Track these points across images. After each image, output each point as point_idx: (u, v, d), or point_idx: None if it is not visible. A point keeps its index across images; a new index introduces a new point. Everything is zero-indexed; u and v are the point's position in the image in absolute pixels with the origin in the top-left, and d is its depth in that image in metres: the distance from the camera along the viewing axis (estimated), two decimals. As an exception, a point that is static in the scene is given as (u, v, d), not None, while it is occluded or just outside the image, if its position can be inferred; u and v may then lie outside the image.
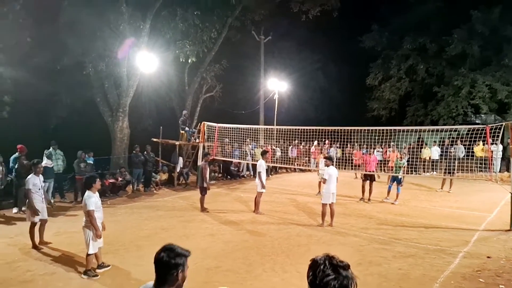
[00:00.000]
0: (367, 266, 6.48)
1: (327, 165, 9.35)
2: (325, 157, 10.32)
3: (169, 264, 2.20)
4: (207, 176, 11.01)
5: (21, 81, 14.46)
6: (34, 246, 7.46)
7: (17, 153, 10.87)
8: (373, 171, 12.79)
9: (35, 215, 7.44)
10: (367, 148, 16.84)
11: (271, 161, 16.68)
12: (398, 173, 12.07)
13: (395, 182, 12.27)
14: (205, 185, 10.68)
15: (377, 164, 13.68)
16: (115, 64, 15.56)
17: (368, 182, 12.43)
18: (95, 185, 6.10)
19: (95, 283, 5.75)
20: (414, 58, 25.61)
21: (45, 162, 11.39)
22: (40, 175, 7.78)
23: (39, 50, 14.62)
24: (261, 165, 10.45)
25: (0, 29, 12.85)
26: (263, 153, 11.10)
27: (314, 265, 1.79)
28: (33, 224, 7.54)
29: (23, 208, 10.64)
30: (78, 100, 17.31)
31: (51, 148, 12.11)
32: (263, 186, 10.34)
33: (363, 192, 12.51)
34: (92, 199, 5.96)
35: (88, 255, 5.96)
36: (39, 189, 7.61)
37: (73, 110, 17.70)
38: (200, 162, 12.13)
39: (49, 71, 15.45)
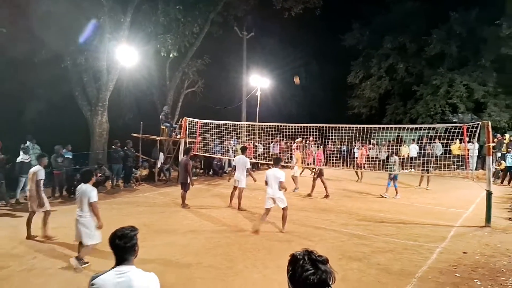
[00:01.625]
0: (347, 261, 6.56)
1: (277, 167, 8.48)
2: (274, 158, 9.43)
3: (125, 248, 2.57)
4: (190, 171, 10.81)
5: (-3, 73, 14.01)
6: (29, 237, 7.58)
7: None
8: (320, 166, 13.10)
9: (40, 206, 7.56)
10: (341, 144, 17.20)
11: (253, 157, 16.68)
12: (392, 170, 12.52)
13: (393, 179, 12.69)
14: (188, 180, 10.54)
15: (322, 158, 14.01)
16: (95, 57, 15.22)
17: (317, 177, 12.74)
18: (93, 178, 6.38)
19: (74, 280, 5.62)
20: (394, 57, 26.05)
21: (22, 157, 11.10)
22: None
23: (16, 42, 14.16)
24: (247, 161, 10.66)
25: (-26, 19, 12.41)
26: (243, 149, 11.24)
27: (294, 260, 1.82)
28: (32, 214, 7.64)
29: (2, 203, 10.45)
30: (56, 94, 16.84)
31: (28, 142, 11.79)
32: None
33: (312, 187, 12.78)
34: (95, 191, 6.11)
35: (87, 246, 6.03)
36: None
37: (51, 104, 17.21)
38: (181, 158, 11.94)
39: (26, 64, 15.00)
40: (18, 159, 11.08)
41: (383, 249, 7.25)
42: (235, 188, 10.74)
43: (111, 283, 2.47)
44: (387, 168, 13.00)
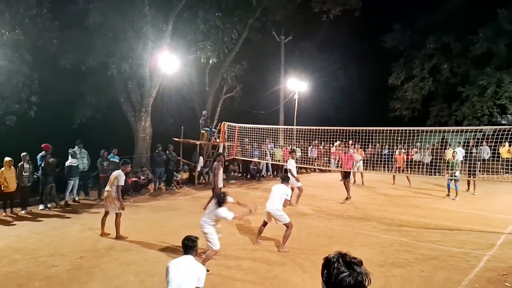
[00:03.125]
0: (389, 267, 6.41)
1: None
2: (283, 176, 8.85)
3: (189, 246, 4.31)
4: (219, 177, 10.56)
5: (48, 81, 14.89)
6: (102, 234, 8.14)
7: (43, 152, 11.22)
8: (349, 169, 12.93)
9: (122, 208, 7.99)
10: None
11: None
12: (455, 171, 12.56)
13: (454, 180, 12.72)
14: (217, 187, 10.36)
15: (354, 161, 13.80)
16: (138, 65, 15.84)
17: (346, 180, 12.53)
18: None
19: (117, 279, 5.86)
20: (437, 58, 25.13)
21: (70, 161, 11.72)
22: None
23: (65, 52, 15.04)
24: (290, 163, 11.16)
25: (28, 31, 13.27)
26: (291, 152, 11.82)
27: (328, 263, 1.81)
28: (118, 215, 8.04)
29: (49, 205, 11.04)
30: (102, 100, 17.69)
31: (76, 147, 12.43)
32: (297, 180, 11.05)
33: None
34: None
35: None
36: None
37: (97, 110, 18.08)
38: (214, 163, 12.00)
39: (74, 71, 15.85)
40: (67, 163, 11.71)
41: (427, 256, 7.02)
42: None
43: (178, 262, 4.12)
44: (451, 168, 12.87)
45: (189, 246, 4.28)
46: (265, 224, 7.75)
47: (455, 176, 12.63)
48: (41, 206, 10.98)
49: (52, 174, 11.18)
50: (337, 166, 14.83)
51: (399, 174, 15.78)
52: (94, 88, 17.23)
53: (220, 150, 15.34)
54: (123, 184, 8.01)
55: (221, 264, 6.51)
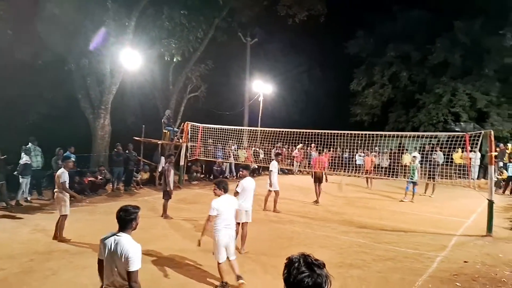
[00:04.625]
0: (347, 268, 6.51)
1: (243, 176, 7.46)
2: (242, 167, 8.00)
3: (125, 219, 3.45)
4: (170, 179, 10.05)
5: (1, 75, 14.06)
6: (61, 239, 7.59)
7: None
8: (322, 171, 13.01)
9: (65, 208, 7.65)
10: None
11: (255, 163, 16.67)
12: (414, 175, 13.10)
13: (412, 183, 13.26)
14: (168, 189, 9.87)
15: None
16: (98, 60, 15.29)
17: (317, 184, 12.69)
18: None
19: (71, 282, 5.60)
20: (397, 65, 26.07)
21: (25, 159, 11.11)
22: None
23: (20, 44, 14.25)
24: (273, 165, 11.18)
25: (-21, 20, 12.50)
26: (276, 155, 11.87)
27: (289, 263, 1.82)
28: (64, 217, 7.65)
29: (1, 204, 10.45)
30: (59, 96, 16.95)
31: (29, 144, 11.81)
32: (270, 185, 11.00)
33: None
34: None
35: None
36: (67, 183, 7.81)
37: (53, 106, 17.30)
38: (163, 164, 11.66)
39: (30, 65, 15.08)
40: (21, 161, 11.08)
41: (383, 257, 7.20)
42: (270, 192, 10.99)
43: (110, 242, 3.40)
44: (411, 174, 13.40)
45: (126, 219, 3.43)
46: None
47: (412, 179, 13.10)
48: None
49: (2, 172, 10.56)
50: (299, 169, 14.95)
51: (367, 177, 16.16)
52: (51, 83, 16.47)
53: (183, 151, 15.09)
54: (66, 181, 7.67)
55: (183, 267, 6.37)
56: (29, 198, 11.51)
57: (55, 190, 7.80)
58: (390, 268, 6.64)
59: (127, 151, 14.10)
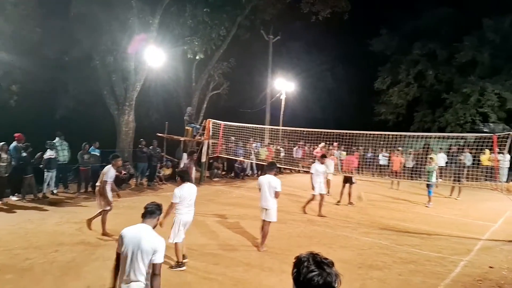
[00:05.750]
0: (367, 270, 6.42)
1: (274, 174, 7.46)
2: (269, 163, 8.06)
3: (153, 211, 3.66)
4: (192, 176, 10.12)
5: (30, 71, 14.54)
6: (104, 233, 7.70)
7: (14, 142, 10.87)
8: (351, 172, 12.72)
9: (108, 205, 7.73)
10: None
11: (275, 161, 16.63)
12: (431, 178, 12.28)
13: (428, 186, 12.54)
14: None
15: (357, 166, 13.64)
16: (123, 58, 15.59)
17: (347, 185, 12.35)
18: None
19: (91, 274, 5.72)
20: (423, 64, 25.48)
21: (49, 153, 11.42)
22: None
23: (48, 41, 14.69)
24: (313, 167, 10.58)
25: (11, 18, 12.92)
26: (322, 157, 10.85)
27: (298, 262, 1.82)
28: (105, 212, 7.78)
29: (29, 196, 10.78)
30: (85, 92, 17.38)
31: (57, 138, 12.14)
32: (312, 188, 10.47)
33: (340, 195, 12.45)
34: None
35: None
36: (112, 180, 7.92)
37: (79, 101, 17.76)
38: (186, 161, 11.52)
39: (58, 62, 15.53)
40: (46, 155, 11.40)
41: (405, 260, 7.06)
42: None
43: (132, 232, 3.49)
44: (428, 176, 12.65)
45: (151, 211, 3.64)
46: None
47: (431, 181, 12.52)
48: (14, 197, 10.70)
49: (31, 165, 10.92)
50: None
51: (394, 179, 15.85)
52: (77, 80, 16.92)
53: (205, 148, 15.21)
54: (108, 180, 7.71)
55: (199, 262, 6.43)
56: (55, 191, 11.84)
57: (97, 184, 7.96)
58: (412, 271, 6.50)
59: (151, 147, 14.32)
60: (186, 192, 6.20)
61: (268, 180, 7.22)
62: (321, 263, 1.77)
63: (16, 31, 13.41)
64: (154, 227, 3.65)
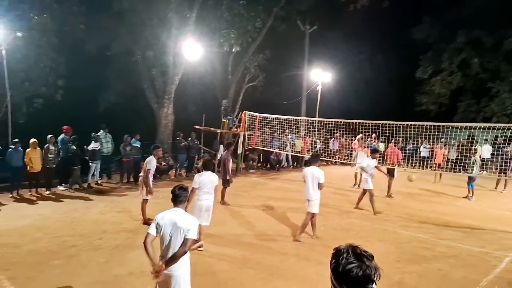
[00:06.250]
0: (405, 264, 6.31)
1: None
2: (312, 155, 8.48)
3: (181, 195, 3.93)
4: (229, 168, 10.35)
5: (74, 66, 15.21)
6: (145, 222, 7.97)
7: (62, 134, 11.47)
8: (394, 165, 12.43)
9: (149, 194, 8.02)
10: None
11: (310, 153, 16.56)
12: (472, 170, 11.77)
13: (469, 179, 12.15)
14: (227, 177, 10.11)
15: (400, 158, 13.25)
16: (162, 52, 15.96)
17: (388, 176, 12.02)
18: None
19: (134, 262, 5.96)
20: (467, 52, 24.32)
21: (93, 145, 11.96)
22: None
23: (91, 37, 15.30)
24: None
25: (56, 15, 13.54)
26: (374, 152, 10.49)
27: (337, 253, 1.81)
28: (145, 201, 8.10)
29: (74, 186, 11.37)
30: (126, 86, 17.98)
31: (101, 131, 12.67)
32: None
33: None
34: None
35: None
36: (154, 170, 8.19)
37: (121, 95, 18.40)
38: (223, 153, 11.61)
39: (100, 57, 16.12)
40: (90, 147, 11.95)
41: (445, 254, 6.87)
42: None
43: (168, 215, 3.78)
44: (468, 168, 12.12)
45: (181, 195, 3.93)
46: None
47: (471, 173, 11.95)
48: (62, 187, 11.31)
49: (78, 157, 11.50)
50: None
51: (438, 171, 15.35)
52: (119, 74, 17.51)
53: (241, 139, 15.36)
54: (151, 169, 7.96)
55: (237, 251, 6.57)
56: (99, 182, 12.42)
57: (140, 174, 8.30)
58: (452, 265, 6.32)
59: (189, 139, 14.65)
60: (206, 179, 6.53)
61: (312, 172, 7.35)
62: (360, 255, 1.75)
63: (61, 28, 14.05)
64: (185, 209, 4.04)
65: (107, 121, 13.60)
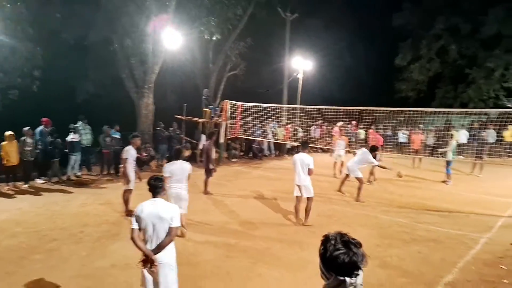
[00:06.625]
0: (386, 248, 6.46)
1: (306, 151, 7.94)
2: (301, 142, 8.75)
3: (158, 185, 3.90)
4: (212, 157, 10.39)
5: (50, 56, 14.79)
6: (127, 212, 7.86)
7: (41, 126, 11.20)
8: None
9: (127, 183, 7.87)
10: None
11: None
12: (449, 155, 12.09)
13: (448, 163, 12.44)
14: (210, 166, 10.09)
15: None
16: (141, 40, 15.65)
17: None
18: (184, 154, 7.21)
19: (116, 253, 5.93)
20: (446, 39, 24.73)
21: (72, 136, 11.73)
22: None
23: (68, 26, 14.87)
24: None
25: (30, 4, 13.09)
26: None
27: (326, 240, 1.87)
28: (127, 191, 7.94)
29: (53, 179, 11.15)
30: (105, 77, 17.62)
31: (80, 122, 12.42)
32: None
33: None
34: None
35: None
36: (134, 160, 8.07)
37: (100, 85, 18.05)
38: (205, 142, 11.55)
39: (77, 47, 15.72)
40: (68, 138, 11.70)
41: (424, 238, 7.06)
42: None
43: (147, 207, 3.77)
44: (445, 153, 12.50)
45: (158, 186, 3.93)
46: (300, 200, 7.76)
47: (449, 158, 12.33)
48: (40, 180, 11.08)
49: (58, 149, 11.26)
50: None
51: (415, 156, 15.63)
52: (97, 64, 17.12)
53: (223, 129, 15.30)
54: (128, 158, 7.85)
55: (220, 240, 6.59)
56: (79, 174, 12.21)
57: (120, 165, 8.21)
58: (431, 248, 6.51)
59: (171, 129, 14.50)
60: (176, 168, 6.60)
61: (301, 158, 7.61)
62: (348, 242, 1.81)
63: (36, 18, 13.60)
64: (164, 195, 4.06)
65: (85, 112, 13.34)
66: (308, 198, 7.67)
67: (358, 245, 1.83)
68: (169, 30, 15.30)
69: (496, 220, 8.29)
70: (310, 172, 7.58)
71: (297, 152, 7.98)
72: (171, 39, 15.40)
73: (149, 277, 3.81)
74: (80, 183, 11.25)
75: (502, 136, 13.29)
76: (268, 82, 25.37)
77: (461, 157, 16.08)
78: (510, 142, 13.09)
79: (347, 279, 1.76)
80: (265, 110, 15.70)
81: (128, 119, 16.64)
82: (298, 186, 7.63)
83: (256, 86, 24.06)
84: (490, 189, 11.77)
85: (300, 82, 23.12)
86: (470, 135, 15.54)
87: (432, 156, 13.81)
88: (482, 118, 16.94)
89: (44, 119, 11.33)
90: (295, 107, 18.94)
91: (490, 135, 14.84)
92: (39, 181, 11.07)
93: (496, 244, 6.76)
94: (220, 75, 21.36)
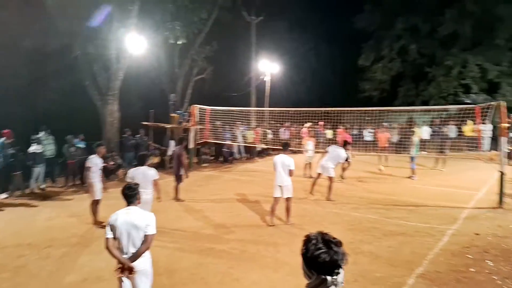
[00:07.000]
0: (358, 244, 6.59)
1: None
2: (283, 143, 8.63)
3: (131, 195, 3.86)
4: (185, 163, 10.27)
5: (8, 64, 14.16)
6: (95, 223, 7.73)
7: (3, 138, 10.68)
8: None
9: (95, 193, 7.73)
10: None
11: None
12: (413, 151, 12.46)
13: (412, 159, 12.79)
14: (181, 172, 9.99)
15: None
16: (104, 46, 15.25)
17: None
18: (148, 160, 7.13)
19: (87, 267, 5.75)
20: (406, 39, 25.61)
21: (35, 147, 11.24)
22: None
23: (26, 33, 14.29)
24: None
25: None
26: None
27: (308, 239, 1.91)
28: (94, 202, 7.78)
29: (16, 193, 10.66)
30: (66, 84, 17.03)
31: (42, 132, 11.92)
32: None
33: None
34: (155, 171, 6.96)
35: None
36: (100, 169, 7.92)
37: (62, 94, 17.43)
38: (174, 148, 11.37)
39: (37, 54, 15.14)
40: (30, 150, 11.18)
41: (394, 232, 7.27)
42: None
43: (122, 216, 3.74)
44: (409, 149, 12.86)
45: (131, 195, 3.88)
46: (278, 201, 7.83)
47: (412, 154, 12.72)
48: (3, 195, 10.57)
49: (20, 162, 10.77)
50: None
51: (382, 153, 15.96)
52: (58, 71, 16.54)
53: (192, 134, 15.15)
54: (91, 166, 7.73)
55: (194, 247, 6.51)
56: (43, 186, 11.72)
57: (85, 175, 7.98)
58: (401, 242, 6.70)
59: (137, 136, 14.21)
60: (138, 173, 6.60)
61: (282, 160, 7.75)
62: (329, 241, 1.87)
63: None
64: (138, 203, 3.98)
65: (47, 122, 12.82)
66: (287, 198, 7.77)
67: (339, 244, 1.87)
68: (133, 35, 15.02)
69: (460, 211, 8.65)
70: (291, 173, 7.70)
71: (268, 155, 8.05)
72: (135, 44, 15.11)
73: (125, 286, 3.75)
74: (45, 196, 10.80)
75: (462, 131, 13.85)
76: (236, 86, 25.38)
77: (425, 152, 16.66)
78: (470, 136, 13.67)
79: (328, 277, 1.79)
80: (233, 113, 15.68)
81: (93, 128, 16.13)
82: (280, 186, 7.69)
83: (224, 90, 24.02)
84: (453, 182, 12.25)
85: (268, 84, 23.28)
86: (432, 131, 16.12)
87: (397, 153, 14.21)
88: (443, 114, 17.62)
89: (5, 131, 10.79)
90: (264, 110, 19.04)
91: (451, 130, 15.46)
92: (1, 196, 10.53)
93: (462, 235, 7.05)
94: (187, 79, 21.20)
